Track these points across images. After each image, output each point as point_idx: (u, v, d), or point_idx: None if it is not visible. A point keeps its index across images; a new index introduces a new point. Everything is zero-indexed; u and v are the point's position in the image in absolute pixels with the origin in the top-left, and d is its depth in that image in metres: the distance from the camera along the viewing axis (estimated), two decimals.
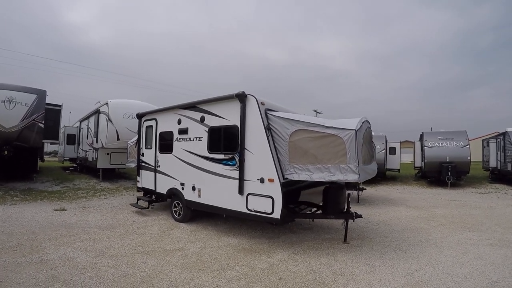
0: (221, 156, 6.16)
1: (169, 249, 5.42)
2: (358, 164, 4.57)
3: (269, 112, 5.52)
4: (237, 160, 5.76)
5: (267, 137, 5.25)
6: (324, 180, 4.80)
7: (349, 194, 5.96)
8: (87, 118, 16.94)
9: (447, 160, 15.30)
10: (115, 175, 16.25)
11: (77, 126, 19.92)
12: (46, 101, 12.84)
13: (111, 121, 13.03)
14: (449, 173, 14.98)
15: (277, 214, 5.05)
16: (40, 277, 4.13)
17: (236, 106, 5.75)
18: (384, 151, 17.26)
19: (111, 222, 7.47)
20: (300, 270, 4.44)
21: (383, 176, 18.37)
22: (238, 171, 5.74)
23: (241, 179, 5.67)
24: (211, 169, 6.38)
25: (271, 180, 5.17)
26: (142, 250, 5.35)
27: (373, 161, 6.08)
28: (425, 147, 16.03)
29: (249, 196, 5.55)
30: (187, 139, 7.10)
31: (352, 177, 4.56)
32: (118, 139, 13.10)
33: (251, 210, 5.50)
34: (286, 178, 5.18)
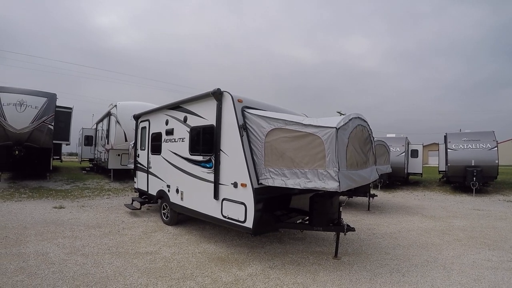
0: (200, 158, 5.75)
1: (141, 252, 5.24)
2: (339, 169, 3.91)
3: (246, 110, 4.99)
4: (213, 162, 5.32)
5: (241, 137, 4.72)
6: (300, 187, 4.17)
7: (341, 203, 5.28)
8: (101, 120, 17.32)
9: (473, 164, 13.95)
10: (129, 176, 16.32)
11: (94, 128, 20.44)
12: (58, 104, 13.25)
13: (119, 123, 13.31)
14: (474, 178, 13.64)
15: (249, 223, 4.51)
16: (10, 267, 4.36)
17: (213, 104, 5.31)
18: (404, 153, 16.12)
19: (100, 222, 7.47)
20: None
21: (403, 181, 17.20)
22: (213, 174, 5.29)
23: (216, 183, 5.21)
24: (191, 171, 5.98)
25: (243, 185, 4.64)
26: (115, 250, 5.30)
27: (369, 165, 5.31)
28: (448, 150, 14.77)
29: (224, 202, 5.07)
30: (173, 140, 6.78)
31: (331, 185, 3.89)
32: (126, 140, 13.32)
33: (225, 217, 5.02)
34: (261, 183, 4.62)
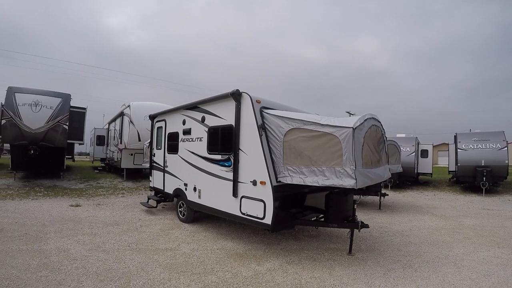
0: (218, 157, 5.95)
1: (161, 248, 5.41)
2: (355, 167, 4.08)
3: (265, 110, 5.19)
4: (232, 161, 5.51)
5: (260, 137, 4.92)
6: (318, 185, 4.35)
7: (355, 201, 5.45)
8: (114, 120, 17.59)
9: (482, 164, 13.97)
10: (141, 175, 16.59)
11: (106, 128, 20.77)
12: (72, 104, 13.53)
13: (132, 123, 13.51)
14: (484, 178, 13.65)
15: (268, 220, 4.70)
16: (33, 263, 4.49)
17: (231, 105, 5.51)
18: (414, 153, 16.14)
19: (118, 219, 7.67)
20: (286, 283, 4.06)
21: (413, 181, 17.25)
22: (232, 172, 5.49)
23: (235, 181, 5.41)
24: (210, 170, 6.19)
25: (262, 183, 4.83)
26: (135, 247, 5.45)
27: (382, 164, 5.47)
28: (458, 150, 14.78)
29: (242, 199, 5.27)
30: (190, 140, 6.99)
31: (348, 182, 4.07)
32: (139, 140, 13.53)
33: (244, 214, 5.21)
34: (279, 181, 4.81)
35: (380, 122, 5.37)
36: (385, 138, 5.74)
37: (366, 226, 5.14)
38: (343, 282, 4.13)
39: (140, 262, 4.68)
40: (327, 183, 4.26)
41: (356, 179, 4.03)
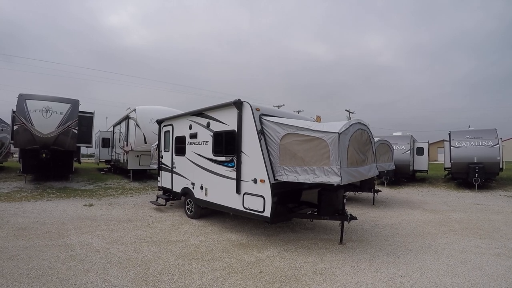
0: (223, 158, 6.62)
1: (173, 240, 6.06)
2: (341, 167, 4.73)
3: (263, 117, 5.86)
4: (235, 162, 6.18)
5: (260, 141, 5.59)
6: (309, 182, 5.02)
7: (344, 196, 6.09)
8: (119, 123, 18.16)
9: (475, 161, 14.56)
10: (146, 176, 17.17)
11: (111, 131, 21.37)
12: (80, 109, 14.13)
13: (138, 126, 14.08)
14: (476, 174, 14.26)
15: (267, 213, 5.39)
16: (61, 255, 5.06)
17: (234, 112, 6.18)
18: (409, 151, 16.74)
19: (131, 217, 8.32)
20: (283, 266, 4.72)
21: (409, 178, 17.84)
22: (236, 172, 6.15)
23: (238, 180, 6.09)
24: (215, 170, 6.87)
25: (262, 181, 5.51)
26: (150, 240, 6.09)
27: (369, 163, 6.11)
28: (452, 147, 15.38)
29: (245, 195, 5.96)
30: (197, 143, 7.65)
31: (334, 179, 4.73)
32: (145, 142, 14.10)
33: (246, 208, 5.90)
34: (277, 179, 5.47)
35: (366, 126, 6.02)
36: (372, 140, 6.38)
37: (355, 218, 5.79)
38: (332, 266, 4.77)
39: (156, 252, 5.30)
40: (317, 180, 4.93)
41: (341, 176, 4.70)
